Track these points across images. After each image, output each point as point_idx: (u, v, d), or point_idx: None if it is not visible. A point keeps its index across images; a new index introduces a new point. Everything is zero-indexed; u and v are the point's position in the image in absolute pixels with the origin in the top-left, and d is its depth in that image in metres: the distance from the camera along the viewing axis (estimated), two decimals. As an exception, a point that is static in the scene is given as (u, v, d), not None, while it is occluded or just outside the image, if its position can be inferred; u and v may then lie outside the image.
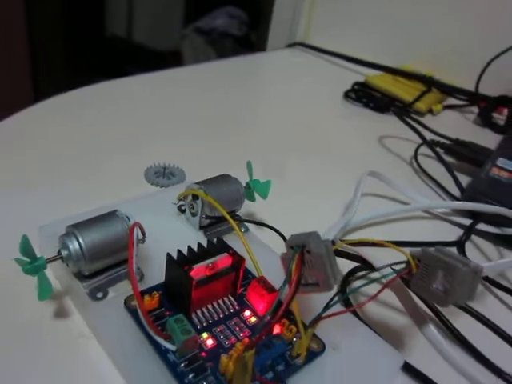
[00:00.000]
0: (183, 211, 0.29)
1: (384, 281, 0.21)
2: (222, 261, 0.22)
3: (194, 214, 0.28)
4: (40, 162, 0.36)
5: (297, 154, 0.44)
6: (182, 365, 0.20)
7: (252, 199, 0.31)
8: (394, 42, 0.72)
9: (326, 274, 0.18)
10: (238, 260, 0.23)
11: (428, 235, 0.35)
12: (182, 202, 0.29)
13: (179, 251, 0.22)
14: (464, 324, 0.26)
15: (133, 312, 0.22)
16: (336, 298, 0.20)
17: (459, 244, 0.35)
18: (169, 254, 0.22)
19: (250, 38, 1.48)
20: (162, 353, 0.20)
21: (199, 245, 0.23)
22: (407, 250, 0.21)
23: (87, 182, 0.34)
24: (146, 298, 0.22)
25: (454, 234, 0.36)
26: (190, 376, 0.20)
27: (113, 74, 0.53)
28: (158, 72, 0.57)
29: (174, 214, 0.30)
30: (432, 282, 0.19)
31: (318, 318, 0.20)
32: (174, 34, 1.64)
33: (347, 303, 0.26)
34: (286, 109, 0.55)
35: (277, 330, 0.22)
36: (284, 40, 0.80)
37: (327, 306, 0.20)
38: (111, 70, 0.53)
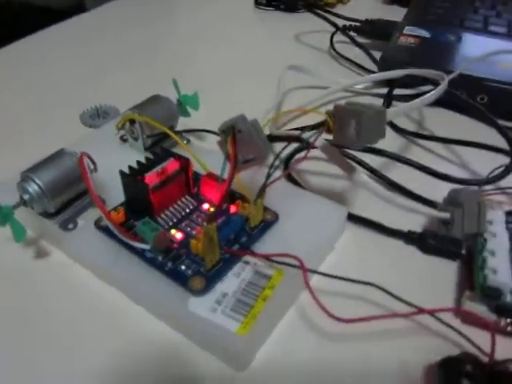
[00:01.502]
0: (125, 140, 0.31)
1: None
2: (170, 165, 0.25)
3: (135, 139, 0.30)
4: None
5: (218, 65, 0.46)
6: (160, 258, 0.23)
7: (186, 115, 0.33)
8: None
9: (257, 146, 0.21)
10: (185, 162, 0.25)
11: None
12: (122, 132, 0.31)
13: (130, 166, 0.24)
14: (392, 172, 0.30)
15: (105, 230, 0.24)
16: (273, 168, 0.23)
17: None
18: (121, 171, 0.24)
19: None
20: (140, 254, 0.23)
21: (146, 158, 0.25)
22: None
23: (26, 140, 0.35)
24: (113, 213, 0.24)
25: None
26: (169, 264, 0.23)
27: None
28: (64, 22, 0.55)
29: (118, 144, 0.31)
30: (347, 130, 0.22)
31: (263, 188, 0.23)
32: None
33: (290, 178, 0.29)
34: (202, 29, 0.55)
35: (233, 209, 0.25)
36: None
37: (268, 176, 0.23)
38: (13, 39, 0.51)
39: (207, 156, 0.29)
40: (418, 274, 0.26)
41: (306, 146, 0.26)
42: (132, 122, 0.29)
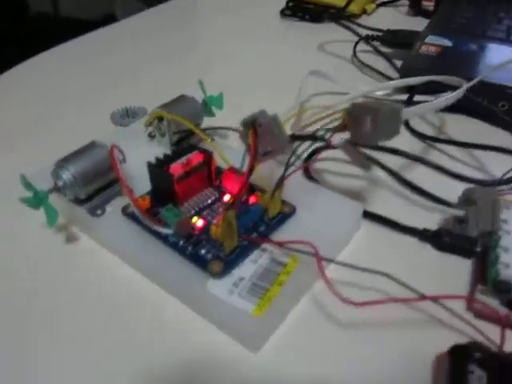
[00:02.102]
0: (153, 137, 0.33)
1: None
2: (195, 157, 0.26)
3: (162, 135, 0.32)
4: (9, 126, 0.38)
5: (242, 70, 0.47)
6: (181, 242, 0.24)
7: (211, 114, 0.34)
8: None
9: (276, 138, 0.23)
10: (208, 155, 0.26)
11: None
12: (150, 129, 0.32)
13: (157, 158, 0.26)
14: (409, 171, 0.31)
15: (131, 216, 0.26)
16: (292, 159, 0.24)
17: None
18: (148, 162, 0.26)
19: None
20: (163, 239, 0.25)
21: (172, 150, 0.27)
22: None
23: (60, 136, 0.37)
24: (139, 200, 0.25)
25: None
26: (190, 248, 0.24)
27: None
28: (97, 31, 0.58)
29: (146, 141, 0.33)
30: (363, 127, 0.23)
31: (282, 179, 0.24)
32: (103, -2, 1.58)
33: (309, 176, 0.30)
34: (227, 36, 0.57)
35: (252, 200, 0.26)
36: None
37: (286, 168, 0.24)
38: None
39: (229, 153, 0.30)
40: (432, 270, 0.26)
41: (324, 143, 0.27)
42: (160, 119, 0.31)
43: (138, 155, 0.30)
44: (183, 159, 0.25)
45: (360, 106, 0.23)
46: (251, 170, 0.22)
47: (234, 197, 0.22)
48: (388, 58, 0.48)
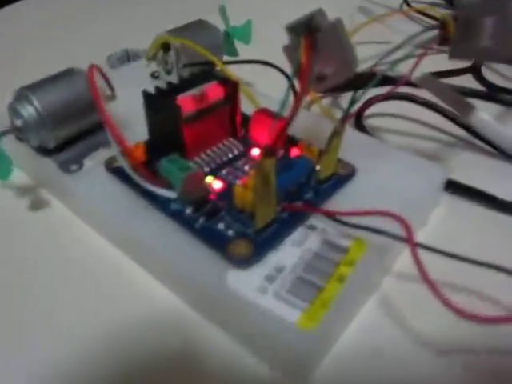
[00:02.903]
0: (157, 77, 0.25)
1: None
2: (212, 90, 0.18)
3: (169, 72, 0.23)
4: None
5: (273, 23, 0.39)
6: (188, 211, 0.16)
7: (233, 53, 0.26)
8: None
9: (342, 51, 0.14)
10: (232, 87, 0.18)
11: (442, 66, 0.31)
12: (153, 66, 0.24)
13: (157, 87, 0.18)
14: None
15: (117, 172, 0.18)
16: (360, 92, 0.16)
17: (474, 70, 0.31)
18: (144, 91, 0.18)
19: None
20: (162, 205, 0.16)
21: (181, 77, 0.18)
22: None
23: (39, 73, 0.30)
24: (131, 148, 0.17)
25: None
26: (201, 220, 0.16)
27: None
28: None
29: (147, 83, 0.25)
30: (479, 37, 0.15)
31: (345, 118, 0.16)
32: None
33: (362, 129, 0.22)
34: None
35: (295, 152, 0.18)
36: None
37: (353, 102, 0.16)
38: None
39: (259, 99, 0.22)
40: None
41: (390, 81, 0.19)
42: (166, 49, 0.23)
43: (137, 97, 0.22)
44: (195, 90, 0.17)
45: (475, 3, 0.15)
46: (301, 97, 0.14)
47: (274, 139, 0.14)
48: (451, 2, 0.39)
